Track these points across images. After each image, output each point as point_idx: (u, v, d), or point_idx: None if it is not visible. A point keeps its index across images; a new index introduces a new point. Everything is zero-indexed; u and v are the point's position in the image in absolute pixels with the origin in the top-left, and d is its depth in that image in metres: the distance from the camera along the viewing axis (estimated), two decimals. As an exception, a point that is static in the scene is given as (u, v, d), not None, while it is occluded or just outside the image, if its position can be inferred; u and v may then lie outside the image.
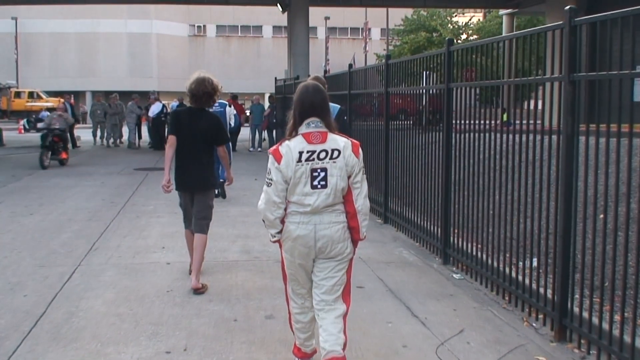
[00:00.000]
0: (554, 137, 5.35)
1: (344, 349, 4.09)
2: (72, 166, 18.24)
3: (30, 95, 49.13)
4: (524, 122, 5.77)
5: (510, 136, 6.05)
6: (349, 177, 4.07)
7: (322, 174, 4.00)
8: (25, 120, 38.49)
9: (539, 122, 5.66)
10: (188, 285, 6.51)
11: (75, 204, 11.53)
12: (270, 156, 4.10)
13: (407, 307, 5.92)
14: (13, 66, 56.30)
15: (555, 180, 5.26)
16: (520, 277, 5.84)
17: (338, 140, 4.07)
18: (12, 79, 53.24)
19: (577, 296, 5.17)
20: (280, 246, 4.30)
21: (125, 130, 26.00)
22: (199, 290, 6.25)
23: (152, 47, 61.62)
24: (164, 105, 23.74)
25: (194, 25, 64.70)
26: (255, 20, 63.39)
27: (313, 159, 4.00)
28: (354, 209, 4.09)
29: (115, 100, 25.87)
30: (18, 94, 49.29)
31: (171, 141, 6.47)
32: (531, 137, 5.70)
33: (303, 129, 4.08)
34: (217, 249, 8.09)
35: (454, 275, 6.98)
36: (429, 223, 8.07)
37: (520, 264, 5.98)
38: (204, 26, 64.96)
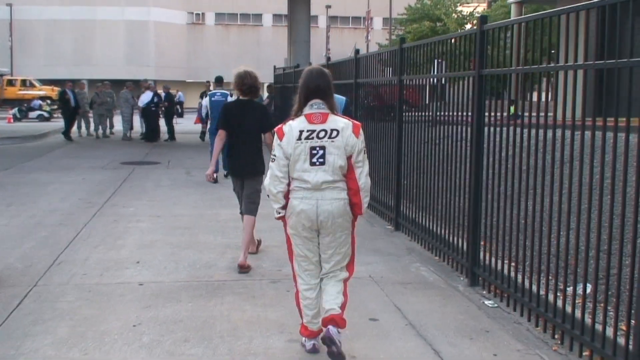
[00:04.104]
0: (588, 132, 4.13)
1: (342, 308, 4.42)
2: (55, 159, 17.00)
3: (23, 83, 47.76)
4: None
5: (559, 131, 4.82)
6: (350, 157, 4.31)
7: (321, 152, 4.27)
8: (16, 109, 37.49)
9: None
10: (160, 316, 5.29)
11: (49, 204, 10.30)
12: (275, 134, 4.42)
13: (435, 350, 4.66)
14: (7, 54, 55.00)
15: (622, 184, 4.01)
16: (576, 310, 4.62)
17: (338, 121, 4.34)
18: (7, 67, 51.95)
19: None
20: (285, 224, 4.50)
21: (117, 120, 24.62)
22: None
23: (150, 35, 60.19)
24: (154, 95, 22.21)
25: (193, 13, 63.30)
26: (255, 8, 62.08)
27: (312, 138, 4.27)
28: (357, 186, 4.34)
29: (106, 88, 24.44)
30: (11, 82, 47.89)
31: (221, 135, 7.06)
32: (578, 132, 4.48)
33: (306, 110, 4.37)
34: (201, 264, 6.87)
35: (486, 302, 5.73)
36: (451, 234, 6.82)
37: (571, 289, 4.78)
38: (203, 14, 63.56)
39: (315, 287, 4.51)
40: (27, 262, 6.90)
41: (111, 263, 6.89)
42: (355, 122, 4.43)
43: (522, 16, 5.29)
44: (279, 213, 4.44)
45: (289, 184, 4.37)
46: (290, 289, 5.72)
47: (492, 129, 5.95)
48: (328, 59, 13.62)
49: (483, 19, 5.97)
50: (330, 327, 4.27)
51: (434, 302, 5.76)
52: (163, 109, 22.77)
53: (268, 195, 4.47)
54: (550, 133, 4.95)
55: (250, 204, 7.02)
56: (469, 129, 6.35)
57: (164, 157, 17.38)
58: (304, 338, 4.62)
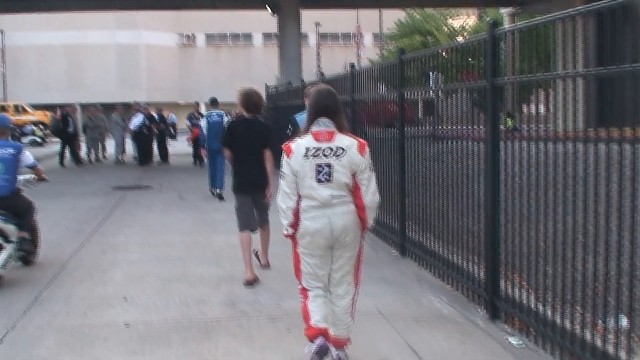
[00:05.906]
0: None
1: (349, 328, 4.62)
2: (45, 185, 16.36)
3: (16, 108, 47.20)
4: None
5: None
6: (355, 175, 4.39)
7: (327, 169, 4.35)
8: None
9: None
10: (149, 364, 4.74)
11: (35, 234, 9.71)
12: (283, 151, 4.47)
13: (460, 400, 4.12)
14: (0, 80, 54.53)
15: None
16: (620, 350, 4.06)
17: (344, 140, 4.43)
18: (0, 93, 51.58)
19: None
20: (294, 244, 4.55)
21: (110, 144, 24.10)
22: (267, 267, 7.38)
23: (141, 58, 59.85)
24: (145, 117, 21.64)
25: (183, 35, 62.94)
26: (246, 28, 61.67)
27: (318, 155, 4.35)
28: (362, 203, 4.42)
29: (98, 112, 24.01)
30: (3, 108, 47.24)
31: (226, 153, 7.33)
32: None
33: (314, 127, 4.46)
34: (193, 300, 6.29)
35: (511, 340, 5.11)
36: (466, 261, 6.24)
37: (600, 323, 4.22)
38: (193, 35, 63.22)
39: (325, 296, 4.54)
40: (7, 300, 6.35)
41: (96, 300, 6.33)
42: (361, 140, 4.51)
43: (546, 16, 4.76)
44: (287, 230, 4.51)
45: (298, 201, 4.44)
46: (291, 328, 5.32)
47: (509, 143, 5.42)
48: (322, 74, 13.14)
49: (494, 23, 5.44)
50: (334, 349, 4.50)
51: (452, 340, 5.17)
52: (156, 131, 22.11)
53: (278, 211, 4.52)
54: (581, 146, 4.44)
55: (265, 214, 7.34)
56: (482, 144, 5.81)
57: (156, 181, 16.85)
58: (308, 344, 4.48)
